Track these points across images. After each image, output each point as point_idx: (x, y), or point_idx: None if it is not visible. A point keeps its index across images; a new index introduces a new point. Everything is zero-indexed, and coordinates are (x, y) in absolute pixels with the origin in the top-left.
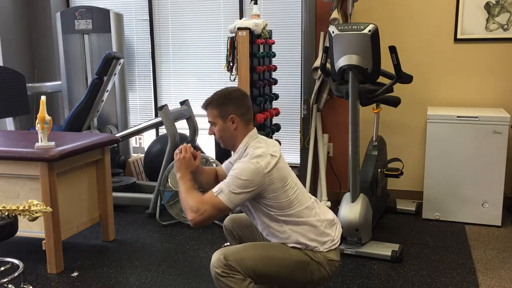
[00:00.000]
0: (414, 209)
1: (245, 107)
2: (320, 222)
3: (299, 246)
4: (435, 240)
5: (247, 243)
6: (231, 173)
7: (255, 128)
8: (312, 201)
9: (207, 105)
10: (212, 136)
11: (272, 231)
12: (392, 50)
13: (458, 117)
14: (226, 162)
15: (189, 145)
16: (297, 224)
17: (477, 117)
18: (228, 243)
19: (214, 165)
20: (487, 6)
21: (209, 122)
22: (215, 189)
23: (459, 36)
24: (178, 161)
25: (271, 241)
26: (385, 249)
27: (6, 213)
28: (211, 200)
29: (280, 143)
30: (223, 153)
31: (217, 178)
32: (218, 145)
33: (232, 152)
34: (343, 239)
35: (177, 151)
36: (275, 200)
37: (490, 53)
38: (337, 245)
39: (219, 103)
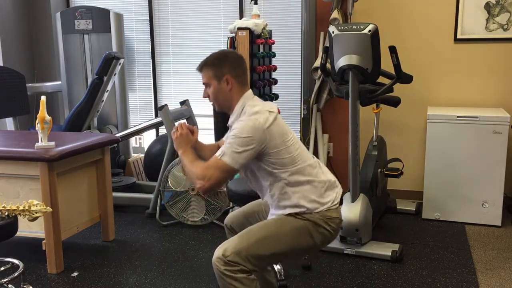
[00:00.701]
0: (414, 209)
1: (240, 68)
2: (322, 183)
3: (297, 210)
4: (435, 240)
5: (242, 231)
6: (231, 133)
7: (251, 89)
8: (314, 160)
9: (202, 66)
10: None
11: (273, 192)
12: (392, 50)
13: (458, 117)
14: (227, 134)
15: (183, 121)
16: (298, 184)
17: (477, 117)
18: None
19: None
20: (487, 6)
21: (203, 84)
22: (217, 153)
23: (459, 36)
24: (177, 139)
25: (270, 203)
26: (385, 249)
27: (6, 213)
28: (215, 164)
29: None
30: None
31: None
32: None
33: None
34: (343, 239)
35: (173, 129)
36: (277, 156)
37: (490, 53)
38: (337, 205)
39: (214, 63)
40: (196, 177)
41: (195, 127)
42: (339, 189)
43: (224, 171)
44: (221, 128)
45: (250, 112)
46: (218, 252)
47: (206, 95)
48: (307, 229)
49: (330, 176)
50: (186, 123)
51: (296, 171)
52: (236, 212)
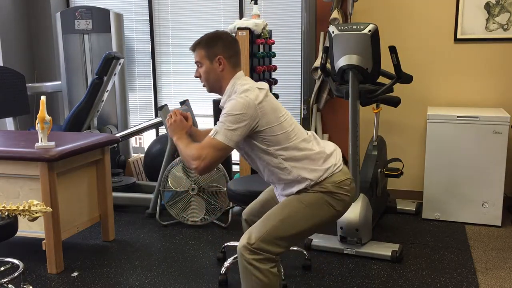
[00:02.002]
0: (414, 209)
1: (233, 50)
2: (319, 155)
3: (304, 185)
4: (435, 240)
5: (263, 216)
6: (223, 112)
7: (242, 71)
8: (309, 134)
9: (195, 45)
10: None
11: (272, 169)
12: (392, 50)
13: (458, 117)
14: None
15: (177, 108)
16: (296, 159)
17: (477, 117)
18: None
19: None
20: (487, 6)
21: (195, 63)
22: (211, 133)
23: (459, 36)
24: (171, 125)
25: (272, 181)
26: (385, 249)
27: (6, 213)
28: (209, 143)
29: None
30: None
31: None
32: None
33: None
34: (343, 239)
35: (167, 117)
36: (271, 133)
37: (490, 53)
38: (340, 167)
39: (207, 42)
40: (191, 157)
41: (188, 113)
42: (338, 152)
43: (219, 149)
44: None
45: (240, 90)
46: (243, 240)
47: (197, 75)
48: (325, 200)
49: (327, 148)
50: (180, 110)
51: (291, 147)
52: (251, 204)
